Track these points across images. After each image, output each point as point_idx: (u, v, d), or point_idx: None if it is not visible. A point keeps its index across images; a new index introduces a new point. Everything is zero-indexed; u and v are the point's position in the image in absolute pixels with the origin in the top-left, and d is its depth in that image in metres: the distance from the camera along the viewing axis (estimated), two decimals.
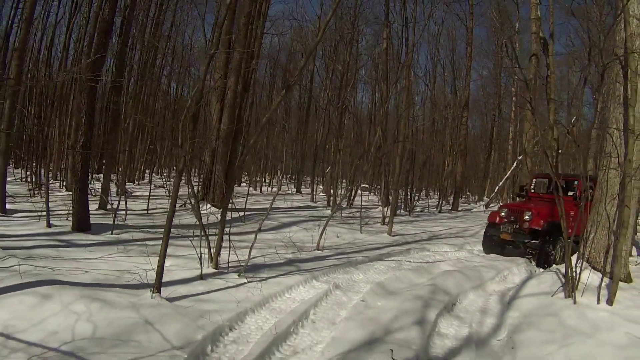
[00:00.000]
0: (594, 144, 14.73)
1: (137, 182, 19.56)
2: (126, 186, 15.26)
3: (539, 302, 5.87)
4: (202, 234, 5.67)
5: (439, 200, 21.34)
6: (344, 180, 18.72)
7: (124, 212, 9.15)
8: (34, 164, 15.32)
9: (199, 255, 5.45)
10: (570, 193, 10.75)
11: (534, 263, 9.38)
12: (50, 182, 13.86)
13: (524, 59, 21.14)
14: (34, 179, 14.35)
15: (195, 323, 3.86)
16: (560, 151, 7.63)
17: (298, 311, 4.65)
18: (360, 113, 30.12)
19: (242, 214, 10.28)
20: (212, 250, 5.85)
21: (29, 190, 12.56)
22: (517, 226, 10.00)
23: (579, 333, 4.76)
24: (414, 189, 19.63)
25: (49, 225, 7.67)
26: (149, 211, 10.74)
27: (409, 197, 18.62)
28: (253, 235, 6.48)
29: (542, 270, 8.61)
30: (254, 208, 12.28)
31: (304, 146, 26.29)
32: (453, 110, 28.51)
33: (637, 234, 9.76)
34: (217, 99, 12.37)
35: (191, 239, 5.67)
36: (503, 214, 10.39)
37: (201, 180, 12.68)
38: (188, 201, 11.74)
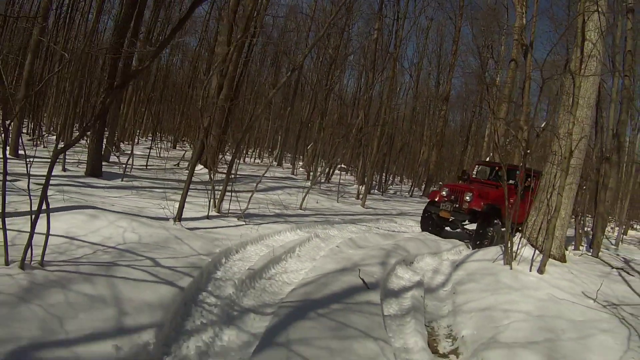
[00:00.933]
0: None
1: (127, 142, 20.46)
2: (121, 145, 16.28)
3: (482, 265, 6.84)
4: (211, 186, 6.86)
5: (412, 186, 22.70)
6: (322, 160, 19.87)
7: (127, 165, 10.24)
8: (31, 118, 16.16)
9: (209, 198, 6.64)
10: (512, 182, 10.82)
11: (470, 245, 9.58)
12: (46, 135, 14.74)
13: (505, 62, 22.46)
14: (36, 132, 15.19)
15: (212, 243, 5.06)
16: (529, 150, 8.81)
17: (287, 247, 5.89)
18: (346, 96, 31.08)
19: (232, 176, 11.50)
20: (216, 200, 7.04)
21: (30, 140, 13.46)
22: (457, 205, 10.14)
23: (510, 288, 5.72)
24: (389, 172, 20.92)
25: (64, 169, 8.73)
26: (147, 167, 11.82)
27: (383, 179, 19.93)
28: (245, 193, 7.70)
29: (480, 244, 9.10)
30: (241, 174, 13.45)
31: (289, 122, 27.20)
32: (434, 103, 29.74)
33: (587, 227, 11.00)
34: (218, 70, 13.40)
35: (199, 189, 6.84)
36: (444, 192, 10.50)
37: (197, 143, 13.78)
38: (181, 161, 12.90)
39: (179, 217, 5.57)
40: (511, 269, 6.57)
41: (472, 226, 10.10)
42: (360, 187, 14.86)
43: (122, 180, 8.66)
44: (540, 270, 6.58)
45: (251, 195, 7.33)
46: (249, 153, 28.51)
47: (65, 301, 2.95)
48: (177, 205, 5.92)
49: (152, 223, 5.16)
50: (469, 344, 4.20)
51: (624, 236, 16.98)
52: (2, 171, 3.31)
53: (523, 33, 17.49)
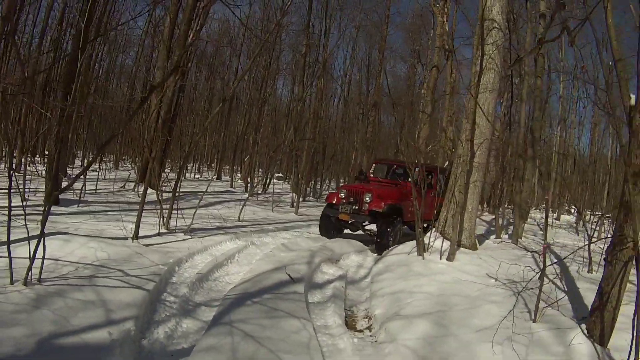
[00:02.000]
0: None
1: (70, 166, 20.91)
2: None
3: (399, 258, 7.90)
4: (159, 206, 7.95)
5: None
6: (260, 170, 21.01)
7: (79, 191, 11.06)
8: None
9: (159, 217, 7.75)
10: (409, 179, 10.52)
11: (372, 247, 9.66)
12: None
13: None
14: None
15: (166, 256, 6.18)
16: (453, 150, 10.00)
17: (228, 254, 7.10)
18: (280, 105, 32.24)
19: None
20: (164, 218, 8.13)
21: None
22: (357, 207, 9.99)
23: (420, 274, 6.70)
24: (324, 179, 22.22)
25: (24, 199, 9.52)
26: (97, 190, 12.64)
27: (317, 186, 21.28)
28: (189, 210, 8.83)
29: (378, 255, 9.19)
30: (184, 191, 14.44)
31: (225, 136, 28.13)
32: (364, 109, 31.34)
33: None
34: (156, 95, 14.35)
35: (147, 209, 7.91)
36: (342, 194, 10.30)
37: (139, 166, 14.70)
38: (126, 184, 13.80)
39: (136, 236, 6.67)
40: (423, 259, 7.62)
41: (373, 226, 10.07)
42: (294, 195, 16.08)
43: (78, 206, 9.54)
44: (450, 258, 7.54)
45: (194, 213, 8.47)
46: (188, 168, 29.25)
47: (66, 305, 4.05)
48: (131, 225, 7.02)
49: (115, 242, 6.23)
50: (379, 320, 5.36)
51: (557, 221, 18.97)
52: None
53: (445, 40, 18.35)
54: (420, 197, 8.77)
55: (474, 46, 9.89)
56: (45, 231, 5.70)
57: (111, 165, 22.60)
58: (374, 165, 12.34)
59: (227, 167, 29.23)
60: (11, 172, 4.81)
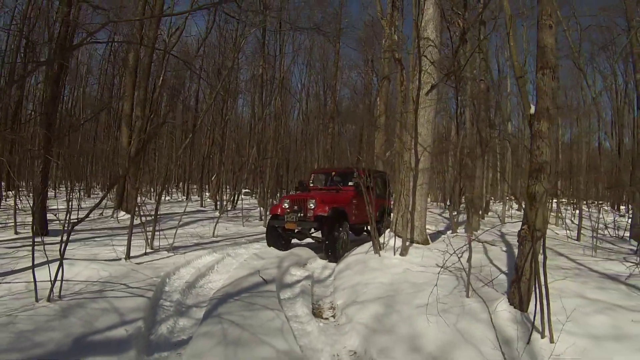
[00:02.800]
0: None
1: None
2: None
3: (357, 257, 8.91)
4: (143, 228, 8.97)
5: None
6: (228, 187, 21.99)
7: (65, 221, 11.92)
8: None
9: (145, 239, 8.77)
10: (351, 183, 11.69)
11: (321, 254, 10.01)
12: None
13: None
14: None
15: (156, 270, 7.23)
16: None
17: (208, 266, 8.18)
18: (242, 122, 33.19)
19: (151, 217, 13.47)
20: (148, 239, 9.15)
21: None
22: (302, 215, 10.29)
23: (375, 269, 7.69)
24: (288, 190, 23.28)
25: (16, 232, 10.39)
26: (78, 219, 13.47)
27: None
28: (169, 230, 9.88)
29: (328, 261, 9.80)
30: (160, 214, 15.38)
31: (191, 157, 29.00)
32: (323, 121, 32.62)
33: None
34: (127, 125, 15.30)
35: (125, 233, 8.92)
36: (286, 205, 10.64)
37: (114, 193, 15.60)
38: (103, 212, 14.68)
39: (127, 256, 7.69)
40: (379, 256, 8.61)
41: (319, 233, 10.40)
42: (262, 209, 17.14)
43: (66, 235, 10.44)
44: (403, 254, 8.54)
45: (175, 232, 9.56)
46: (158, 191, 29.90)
47: (87, 314, 5.08)
48: (121, 248, 8.06)
49: (112, 263, 7.24)
50: (340, 308, 6.47)
51: (518, 212, 20.48)
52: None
53: (394, 50, 18.44)
54: (364, 202, 9.59)
55: (410, 66, 11.20)
56: (49, 258, 6.72)
57: (83, 194, 23.26)
58: (312, 175, 12.74)
59: (195, 187, 30.02)
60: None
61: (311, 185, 12.15)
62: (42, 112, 11.08)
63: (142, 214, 9.53)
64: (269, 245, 10.65)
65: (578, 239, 11.03)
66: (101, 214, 14.54)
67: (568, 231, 11.71)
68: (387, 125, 17.93)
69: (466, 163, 13.90)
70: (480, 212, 16.04)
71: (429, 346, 4.70)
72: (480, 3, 14.16)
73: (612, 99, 29.55)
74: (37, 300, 5.28)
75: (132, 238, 8.21)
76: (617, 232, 12.05)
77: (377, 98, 22.72)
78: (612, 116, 31.20)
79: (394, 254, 8.68)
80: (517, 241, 5.66)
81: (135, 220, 8.81)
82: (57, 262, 6.15)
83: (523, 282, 5.33)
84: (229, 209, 19.26)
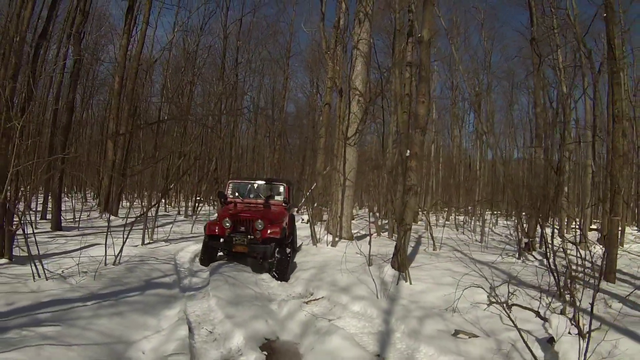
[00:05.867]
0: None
1: None
2: None
3: (305, 248, 12.73)
4: (145, 225, 12.26)
5: None
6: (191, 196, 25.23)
7: (70, 219, 14.99)
8: None
9: (148, 232, 12.08)
10: (278, 197, 11.66)
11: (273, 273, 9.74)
12: None
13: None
14: None
15: (166, 252, 10.66)
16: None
17: (196, 250, 11.54)
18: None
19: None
20: (148, 233, 12.45)
21: None
22: (252, 237, 9.87)
23: (313, 254, 11.59)
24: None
25: (37, 227, 13.41)
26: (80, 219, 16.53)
27: None
28: (161, 228, 13.24)
29: (281, 281, 9.51)
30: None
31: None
32: (270, 136, 36.14)
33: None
34: (111, 140, 18.39)
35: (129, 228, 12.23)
36: (227, 224, 10.04)
37: (100, 197, 18.68)
38: (90, 214, 17.74)
39: (143, 243, 11.05)
40: (316, 247, 12.57)
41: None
42: None
43: (78, 230, 13.56)
44: (333, 245, 12.61)
45: (170, 229, 12.95)
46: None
47: (142, 271, 8.48)
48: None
49: (134, 247, 10.58)
50: (298, 277, 10.00)
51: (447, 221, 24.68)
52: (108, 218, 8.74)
53: (335, 80, 20.50)
54: (290, 219, 11.28)
55: (339, 108, 15.11)
56: (88, 243, 9.96)
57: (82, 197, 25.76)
58: (229, 185, 12.16)
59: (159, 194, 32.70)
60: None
61: (230, 196, 11.69)
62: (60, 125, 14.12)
63: (129, 215, 12.76)
64: (203, 265, 10.13)
65: (481, 241, 15.16)
66: (88, 215, 17.54)
67: (474, 234, 15.87)
68: (326, 145, 21.25)
69: (390, 179, 17.65)
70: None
71: (341, 284, 8.48)
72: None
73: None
74: (105, 264, 8.60)
75: (132, 234, 11.43)
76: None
77: (321, 118, 26.00)
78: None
79: (327, 246, 12.63)
80: (398, 231, 9.51)
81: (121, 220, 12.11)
82: (94, 246, 9.54)
83: (400, 255, 9.13)
84: (191, 214, 22.53)
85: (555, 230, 9.09)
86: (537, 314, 5.93)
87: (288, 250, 10.14)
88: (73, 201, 21.61)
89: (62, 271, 7.66)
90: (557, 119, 15.18)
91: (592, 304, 4.69)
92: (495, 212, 27.65)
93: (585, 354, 4.17)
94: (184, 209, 23.61)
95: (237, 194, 11.84)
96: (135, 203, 21.01)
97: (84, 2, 15.49)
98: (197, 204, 24.20)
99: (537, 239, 13.22)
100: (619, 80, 9.39)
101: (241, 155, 34.59)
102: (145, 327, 5.89)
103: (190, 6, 57.33)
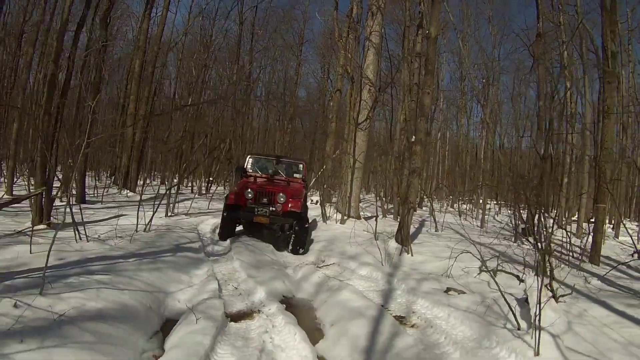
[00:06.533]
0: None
1: None
2: None
3: (318, 224, 13.70)
4: (168, 200, 13.18)
5: None
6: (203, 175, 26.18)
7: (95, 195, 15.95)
8: None
9: (168, 206, 13.01)
10: (296, 175, 12.00)
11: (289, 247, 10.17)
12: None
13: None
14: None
15: (189, 222, 11.63)
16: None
17: (215, 223, 12.44)
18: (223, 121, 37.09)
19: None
20: (171, 207, 13.39)
21: None
22: (273, 209, 10.07)
23: (324, 230, 12.57)
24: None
25: (61, 200, 14.37)
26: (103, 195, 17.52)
27: None
28: (180, 204, 14.22)
29: (294, 254, 10.06)
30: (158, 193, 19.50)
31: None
32: (280, 119, 36.96)
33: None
34: (130, 122, 19.33)
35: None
36: (249, 195, 10.20)
37: (116, 174, 19.68)
38: (108, 190, 18.74)
39: (166, 214, 12.00)
40: (326, 223, 13.58)
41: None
42: None
43: (101, 203, 14.52)
44: (342, 222, 13.55)
45: (191, 203, 13.89)
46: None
47: (171, 237, 9.44)
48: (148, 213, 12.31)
49: (160, 218, 11.51)
50: (310, 248, 10.82)
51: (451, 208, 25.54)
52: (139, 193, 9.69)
53: (347, 68, 20.61)
54: (302, 192, 11.24)
55: (349, 94, 15.94)
56: (113, 214, 10.87)
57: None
58: (249, 159, 12.21)
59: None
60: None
61: (249, 170, 11.79)
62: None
63: (145, 192, 13.71)
64: (223, 239, 10.41)
65: (481, 226, 16.01)
66: (107, 192, 18.53)
67: (475, 220, 16.76)
68: (337, 130, 21.99)
69: (397, 164, 18.42)
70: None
71: (350, 253, 9.44)
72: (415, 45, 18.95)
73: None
74: (137, 230, 9.53)
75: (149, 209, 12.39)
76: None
77: (331, 103, 26.61)
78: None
79: (336, 223, 13.55)
80: (401, 209, 10.42)
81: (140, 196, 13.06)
82: (120, 216, 10.49)
83: (403, 230, 10.02)
84: (204, 192, 23.52)
85: (549, 217, 9.92)
86: (518, 278, 6.80)
87: (306, 225, 10.39)
88: (87, 179, 22.68)
89: (99, 236, 8.55)
90: (552, 111, 15.88)
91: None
92: (498, 202, 28.40)
93: (539, 311, 5.03)
94: (196, 188, 24.53)
95: (256, 168, 11.89)
96: (147, 181, 21.98)
97: None
98: (209, 184, 25.16)
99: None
100: (611, 78, 10.10)
101: (253, 137, 35.39)
102: (179, 281, 6.83)
103: None
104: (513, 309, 5.06)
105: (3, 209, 8.11)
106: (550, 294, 5.36)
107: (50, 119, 9.63)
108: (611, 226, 18.42)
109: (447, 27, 25.63)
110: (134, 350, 4.42)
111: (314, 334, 5.30)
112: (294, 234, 10.01)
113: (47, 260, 5.17)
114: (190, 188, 25.67)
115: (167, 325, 5.33)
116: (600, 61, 12.82)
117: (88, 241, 7.89)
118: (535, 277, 5.54)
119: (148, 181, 29.28)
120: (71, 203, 8.68)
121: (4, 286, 4.87)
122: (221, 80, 30.99)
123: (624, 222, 17.64)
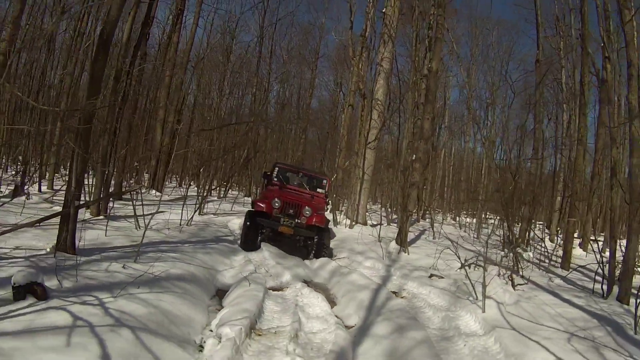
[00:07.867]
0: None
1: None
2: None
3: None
4: (199, 200, 15.13)
5: None
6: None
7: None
8: None
9: (195, 207, 14.96)
10: (320, 190, 12.31)
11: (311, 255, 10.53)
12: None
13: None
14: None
15: (219, 221, 13.58)
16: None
17: (240, 223, 14.38)
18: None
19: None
20: (201, 207, 15.33)
21: None
22: (299, 221, 10.25)
23: (335, 232, 14.48)
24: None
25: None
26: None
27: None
28: (210, 203, 16.21)
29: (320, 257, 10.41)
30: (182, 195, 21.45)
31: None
32: (294, 129, 38.68)
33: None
34: (160, 126, 21.35)
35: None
36: (276, 205, 10.34)
37: (150, 175, 21.70)
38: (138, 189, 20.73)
39: (199, 213, 13.95)
40: (336, 227, 15.37)
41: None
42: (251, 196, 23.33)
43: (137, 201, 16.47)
44: (350, 227, 15.43)
45: (219, 205, 15.87)
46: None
47: (210, 231, 11.39)
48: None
49: (195, 217, 13.48)
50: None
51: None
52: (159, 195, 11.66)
53: (360, 84, 21.29)
54: (323, 206, 11.95)
55: (361, 109, 17.89)
56: (152, 211, 12.81)
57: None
58: (276, 168, 12.40)
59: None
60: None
61: (275, 179, 12.00)
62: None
63: (172, 193, 15.63)
64: (246, 248, 10.33)
65: (477, 237, 17.85)
66: (147, 191, 20.53)
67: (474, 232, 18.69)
68: (348, 143, 23.63)
69: (403, 178, 20.28)
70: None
71: (357, 250, 11.44)
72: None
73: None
74: (180, 224, 11.44)
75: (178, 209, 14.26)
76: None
77: (343, 117, 27.93)
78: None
79: (345, 228, 15.41)
80: (401, 216, 12.36)
81: (167, 196, 14.96)
82: (159, 212, 12.41)
83: (402, 234, 11.94)
84: (222, 196, 25.51)
85: (533, 229, 11.82)
86: (484, 269, 8.70)
87: (328, 240, 10.74)
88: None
89: (151, 227, 10.47)
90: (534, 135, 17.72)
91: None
92: (501, 217, 29.94)
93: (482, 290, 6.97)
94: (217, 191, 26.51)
95: (281, 177, 12.09)
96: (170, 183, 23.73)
97: (149, 7, 18.30)
98: (227, 189, 27.19)
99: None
100: (585, 111, 12.04)
101: (267, 147, 37.19)
102: (223, 263, 8.78)
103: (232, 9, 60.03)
104: (473, 286, 7.01)
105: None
106: (504, 280, 7.34)
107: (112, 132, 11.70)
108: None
109: (452, 52, 27.39)
110: (203, 303, 6.35)
111: (329, 303, 7.22)
112: (315, 245, 10.40)
113: (142, 239, 7.19)
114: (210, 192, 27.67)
115: (219, 294, 7.21)
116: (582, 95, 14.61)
117: (146, 229, 9.79)
118: (498, 268, 7.51)
119: (167, 182, 31.53)
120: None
121: (103, 257, 6.81)
122: (242, 92, 33.10)
123: (593, 235, 19.39)
